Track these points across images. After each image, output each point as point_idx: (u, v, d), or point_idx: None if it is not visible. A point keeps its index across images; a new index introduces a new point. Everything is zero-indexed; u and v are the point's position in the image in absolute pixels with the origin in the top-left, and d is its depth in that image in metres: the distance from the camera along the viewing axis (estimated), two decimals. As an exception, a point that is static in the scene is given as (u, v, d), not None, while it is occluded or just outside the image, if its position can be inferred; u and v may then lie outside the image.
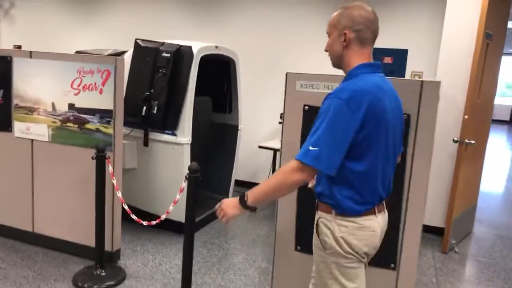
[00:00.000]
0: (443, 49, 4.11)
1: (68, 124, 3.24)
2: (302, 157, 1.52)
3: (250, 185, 5.28)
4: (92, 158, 2.94)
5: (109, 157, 3.00)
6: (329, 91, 2.65)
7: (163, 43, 3.77)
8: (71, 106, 3.22)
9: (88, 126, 3.18)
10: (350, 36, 1.65)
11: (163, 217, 2.77)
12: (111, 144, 3.12)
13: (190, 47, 3.72)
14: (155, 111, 3.68)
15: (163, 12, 5.85)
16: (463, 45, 3.98)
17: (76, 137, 3.23)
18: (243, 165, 5.23)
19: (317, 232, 1.72)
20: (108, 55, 4.32)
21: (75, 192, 3.29)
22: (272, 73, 5.32)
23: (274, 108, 5.24)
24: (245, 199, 1.62)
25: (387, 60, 4.86)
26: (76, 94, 3.18)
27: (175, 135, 3.73)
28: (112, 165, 3.04)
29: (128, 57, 3.82)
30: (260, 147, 4.80)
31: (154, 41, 3.82)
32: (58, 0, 6.60)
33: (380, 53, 4.87)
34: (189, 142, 3.72)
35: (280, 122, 5.16)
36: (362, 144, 1.56)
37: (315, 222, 1.74)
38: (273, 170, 5.12)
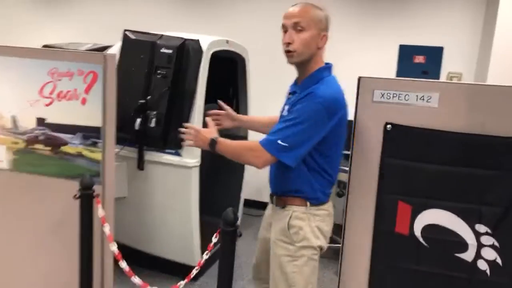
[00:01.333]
0: (495, 46, 3.47)
1: (37, 146, 2.35)
2: (269, 147, 1.65)
3: (258, 204, 4.57)
4: (75, 197, 2.07)
5: (98, 195, 2.13)
6: (423, 103, 1.89)
7: (161, 36, 2.91)
8: (41, 122, 2.33)
9: (65, 149, 2.31)
10: (325, 39, 1.75)
11: (181, 283, 1.93)
12: (99, 175, 2.25)
13: (197, 42, 2.88)
14: (152, 125, 2.83)
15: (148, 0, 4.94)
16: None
17: (48, 164, 2.35)
18: (250, 180, 4.39)
19: (288, 226, 1.79)
20: (87, 51, 3.41)
21: (47, 240, 2.40)
22: (283, 75, 4.49)
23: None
24: (215, 147, 1.77)
25: (419, 59, 4.16)
26: (47, 105, 2.30)
27: (179, 155, 2.88)
28: (102, 205, 2.17)
29: (114, 54, 2.92)
30: (275, 163, 3.99)
31: (150, 33, 2.96)
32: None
33: (411, 51, 4.17)
34: (198, 164, 2.89)
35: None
36: (332, 141, 1.74)
37: (288, 217, 1.79)
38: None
